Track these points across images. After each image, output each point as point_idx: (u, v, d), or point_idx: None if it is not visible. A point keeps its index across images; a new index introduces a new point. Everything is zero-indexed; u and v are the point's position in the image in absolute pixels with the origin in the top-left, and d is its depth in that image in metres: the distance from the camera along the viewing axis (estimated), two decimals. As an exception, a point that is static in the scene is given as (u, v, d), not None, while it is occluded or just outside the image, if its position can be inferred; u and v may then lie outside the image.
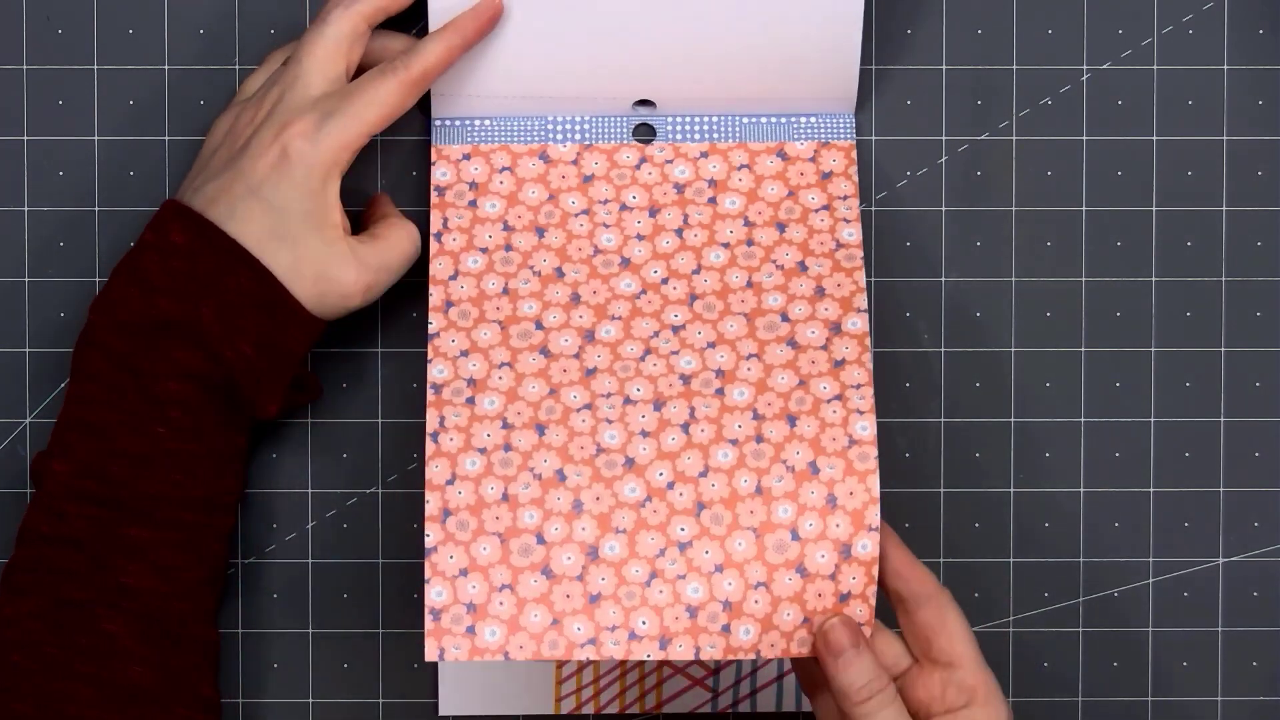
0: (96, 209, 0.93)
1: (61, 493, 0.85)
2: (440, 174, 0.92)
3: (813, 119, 0.92)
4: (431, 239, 0.92)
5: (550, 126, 0.92)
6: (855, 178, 0.92)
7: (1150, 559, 0.94)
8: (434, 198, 0.92)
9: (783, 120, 0.92)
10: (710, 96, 0.91)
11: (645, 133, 0.92)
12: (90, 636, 0.84)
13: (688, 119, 0.92)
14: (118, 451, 0.85)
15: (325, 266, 0.86)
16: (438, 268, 0.91)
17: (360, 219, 0.92)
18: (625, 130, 0.92)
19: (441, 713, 0.93)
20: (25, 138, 0.93)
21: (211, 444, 0.86)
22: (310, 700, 0.93)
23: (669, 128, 0.92)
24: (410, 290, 0.93)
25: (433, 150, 0.92)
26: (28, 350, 0.93)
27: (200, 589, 0.86)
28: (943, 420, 0.94)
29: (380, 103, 0.86)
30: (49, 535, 0.85)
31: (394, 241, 0.89)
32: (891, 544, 0.86)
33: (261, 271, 0.85)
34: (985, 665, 0.85)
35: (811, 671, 0.87)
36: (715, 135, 0.92)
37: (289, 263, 0.85)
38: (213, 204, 0.85)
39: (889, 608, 0.88)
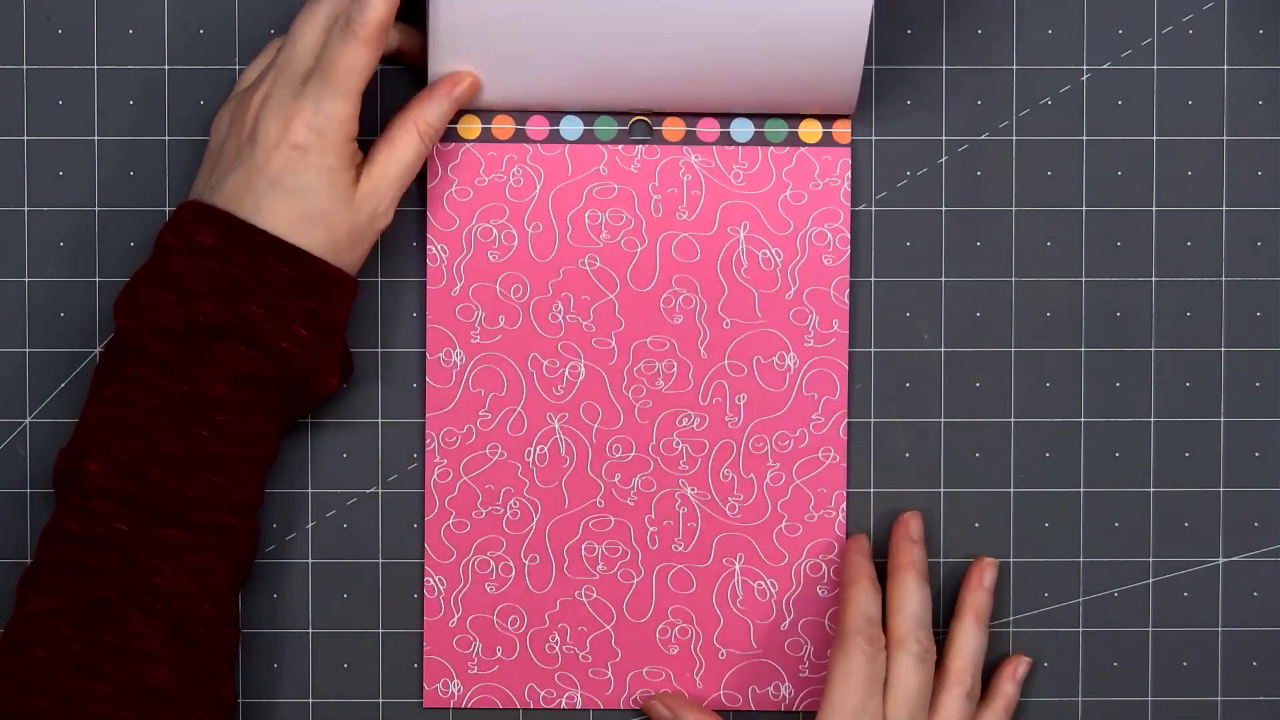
0: (96, 209, 0.93)
1: (95, 493, 0.85)
2: (436, 175, 0.92)
3: (811, 124, 0.92)
4: (427, 242, 0.92)
5: (548, 128, 0.92)
6: (848, 189, 0.92)
7: (1150, 559, 0.94)
8: (430, 198, 0.92)
9: (780, 128, 0.92)
10: (708, 101, 0.91)
11: (642, 131, 0.92)
12: (117, 636, 0.84)
13: (685, 121, 0.92)
14: (159, 454, 0.85)
15: (356, 224, 0.87)
16: (433, 267, 0.92)
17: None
18: (623, 130, 0.92)
19: (426, 705, 0.93)
20: (25, 138, 0.93)
21: (250, 448, 0.86)
22: (310, 700, 0.93)
23: (666, 129, 0.92)
24: (410, 290, 0.93)
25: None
26: (28, 350, 0.93)
27: (227, 592, 0.86)
28: (943, 420, 0.94)
29: (356, 71, 0.86)
30: (79, 535, 0.84)
31: (387, 158, 0.88)
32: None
33: (297, 254, 0.85)
34: (911, 620, 0.89)
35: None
36: (712, 139, 0.92)
37: (323, 239, 0.86)
38: (236, 201, 0.86)
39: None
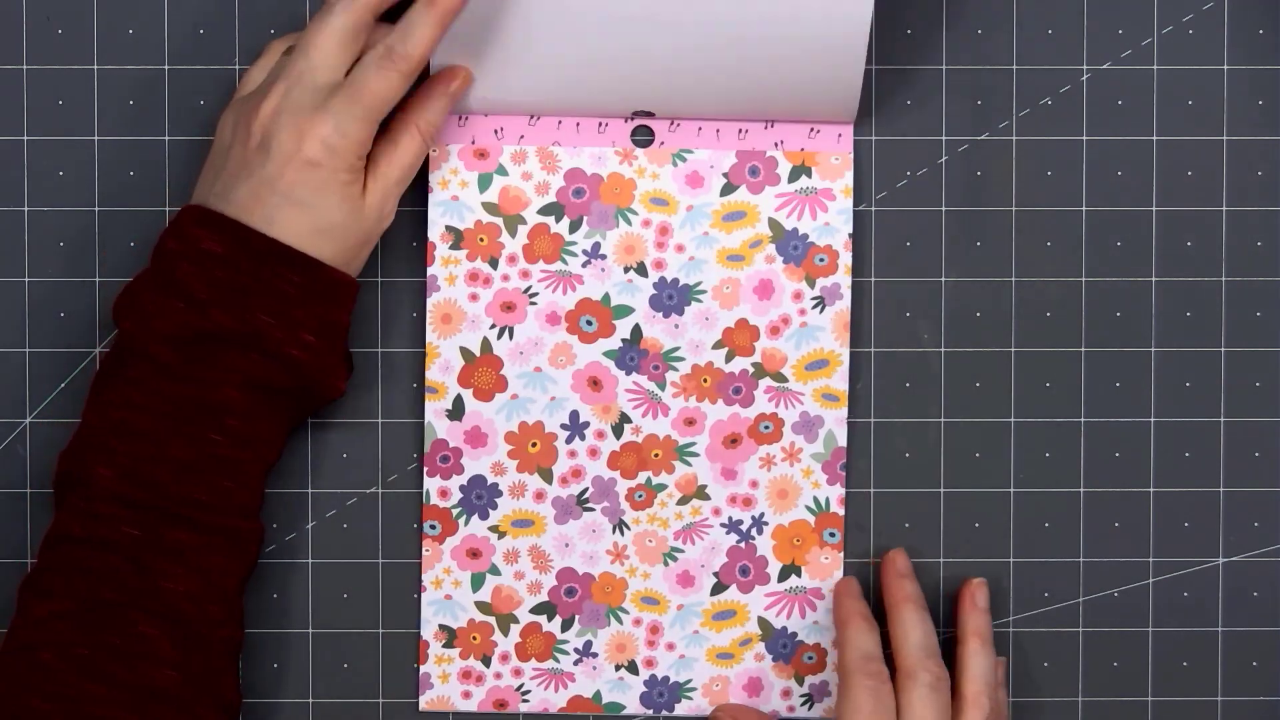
0: (96, 209, 0.93)
1: (104, 497, 0.85)
2: (437, 178, 0.92)
3: (812, 133, 0.92)
4: (429, 246, 0.92)
5: (548, 133, 0.92)
6: (850, 194, 0.92)
7: (1150, 559, 0.94)
8: (431, 201, 0.92)
9: (781, 135, 0.92)
10: (709, 107, 0.91)
11: (643, 134, 0.92)
12: (123, 638, 0.84)
13: (686, 127, 0.92)
14: (166, 457, 0.85)
15: (364, 231, 0.88)
16: (434, 273, 0.92)
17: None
18: (624, 136, 0.92)
19: (422, 708, 0.93)
20: (25, 138, 0.93)
21: (260, 451, 0.86)
22: (310, 700, 0.93)
23: (667, 135, 0.92)
24: (410, 290, 0.93)
25: (429, 156, 0.92)
26: (28, 350, 0.93)
27: (235, 593, 0.86)
28: (943, 420, 0.94)
29: (388, 98, 0.87)
30: (83, 538, 0.84)
31: (390, 161, 0.89)
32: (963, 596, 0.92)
33: (304, 261, 0.86)
34: (917, 651, 0.88)
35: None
36: (712, 145, 0.92)
37: (336, 249, 0.87)
38: (245, 212, 0.86)
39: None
